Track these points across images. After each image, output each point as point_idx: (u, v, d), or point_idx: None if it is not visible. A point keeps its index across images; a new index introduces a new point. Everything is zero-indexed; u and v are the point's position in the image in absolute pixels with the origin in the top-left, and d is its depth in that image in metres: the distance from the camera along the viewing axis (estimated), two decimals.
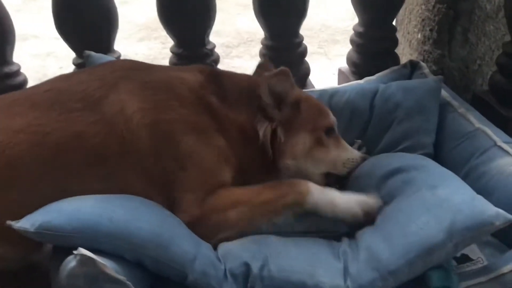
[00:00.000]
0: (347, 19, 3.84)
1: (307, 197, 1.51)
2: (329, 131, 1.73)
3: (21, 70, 2.29)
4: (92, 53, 2.03)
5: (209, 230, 1.48)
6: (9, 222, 1.34)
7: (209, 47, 2.33)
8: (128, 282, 1.28)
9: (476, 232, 1.35)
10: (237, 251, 1.45)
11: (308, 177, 1.64)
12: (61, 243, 1.36)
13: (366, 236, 1.48)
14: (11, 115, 1.51)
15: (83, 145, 1.49)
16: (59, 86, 1.59)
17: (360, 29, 2.41)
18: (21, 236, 1.33)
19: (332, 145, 1.72)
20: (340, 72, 2.58)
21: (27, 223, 1.34)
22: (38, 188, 1.45)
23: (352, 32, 2.45)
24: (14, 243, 1.46)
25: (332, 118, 1.75)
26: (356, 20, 2.43)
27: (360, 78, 2.22)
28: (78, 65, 2.30)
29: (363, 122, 1.99)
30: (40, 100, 1.54)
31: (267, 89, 1.61)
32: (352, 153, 1.77)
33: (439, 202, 1.43)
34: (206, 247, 1.46)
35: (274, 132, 1.63)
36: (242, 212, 1.50)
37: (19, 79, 2.26)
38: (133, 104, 1.52)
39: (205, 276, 1.37)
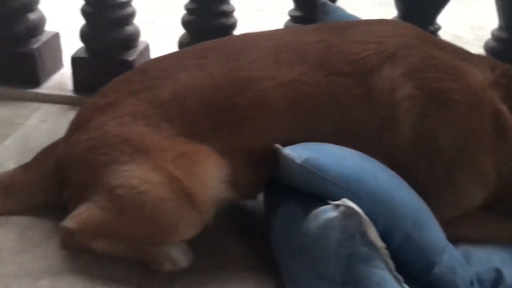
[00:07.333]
0: None
1: None
2: None
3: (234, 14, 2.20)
4: (328, 1, 1.82)
5: None
6: (277, 145, 1.27)
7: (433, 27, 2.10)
8: (386, 251, 1.11)
9: None
10: (484, 254, 1.28)
11: None
12: (315, 186, 1.23)
13: None
14: (278, 62, 1.37)
15: (345, 118, 1.33)
16: (331, 39, 1.40)
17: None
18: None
19: None
20: None
21: (293, 152, 1.24)
22: None
23: None
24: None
25: None
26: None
27: None
28: (295, 18, 2.14)
29: None
30: (311, 53, 1.37)
31: None
32: None
33: None
34: (451, 244, 1.28)
35: None
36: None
37: (232, 20, 2.19)
38: (406, 89, 1.31)
39: (452, 273, 1.20)
